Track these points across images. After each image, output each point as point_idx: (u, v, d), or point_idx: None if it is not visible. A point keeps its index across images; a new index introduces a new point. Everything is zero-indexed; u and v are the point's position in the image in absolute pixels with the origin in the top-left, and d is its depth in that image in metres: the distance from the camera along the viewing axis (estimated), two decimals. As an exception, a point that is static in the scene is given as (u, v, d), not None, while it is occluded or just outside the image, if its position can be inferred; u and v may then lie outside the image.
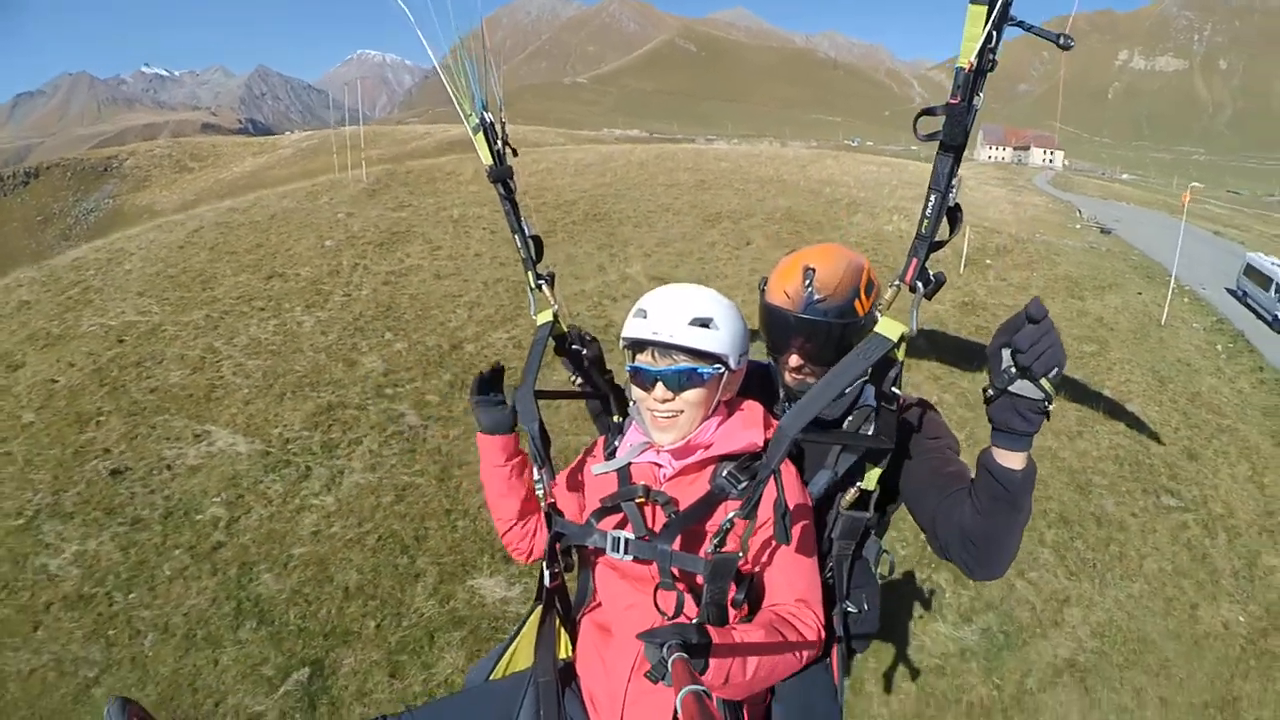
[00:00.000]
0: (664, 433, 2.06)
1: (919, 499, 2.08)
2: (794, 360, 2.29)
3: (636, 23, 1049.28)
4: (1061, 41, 1.45)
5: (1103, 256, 23.64)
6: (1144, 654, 7.26)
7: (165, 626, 7.10)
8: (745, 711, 2.00)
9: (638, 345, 2.06)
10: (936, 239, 1.64)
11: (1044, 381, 1.54)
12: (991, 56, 1.47)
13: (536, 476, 2.26)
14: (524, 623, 2.50)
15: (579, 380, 2.64)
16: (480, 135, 2.40)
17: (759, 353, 2.44)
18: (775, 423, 2.07)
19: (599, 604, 2.23)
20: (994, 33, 1.43)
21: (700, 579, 1.86)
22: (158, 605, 7.34)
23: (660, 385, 2.02)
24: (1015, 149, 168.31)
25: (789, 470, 2.06)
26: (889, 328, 1.71)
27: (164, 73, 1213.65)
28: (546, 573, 2.28)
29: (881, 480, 2.11)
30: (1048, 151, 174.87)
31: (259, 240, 18.12)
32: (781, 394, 2.44)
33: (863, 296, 2.22)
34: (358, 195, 23.15)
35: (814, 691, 2.07)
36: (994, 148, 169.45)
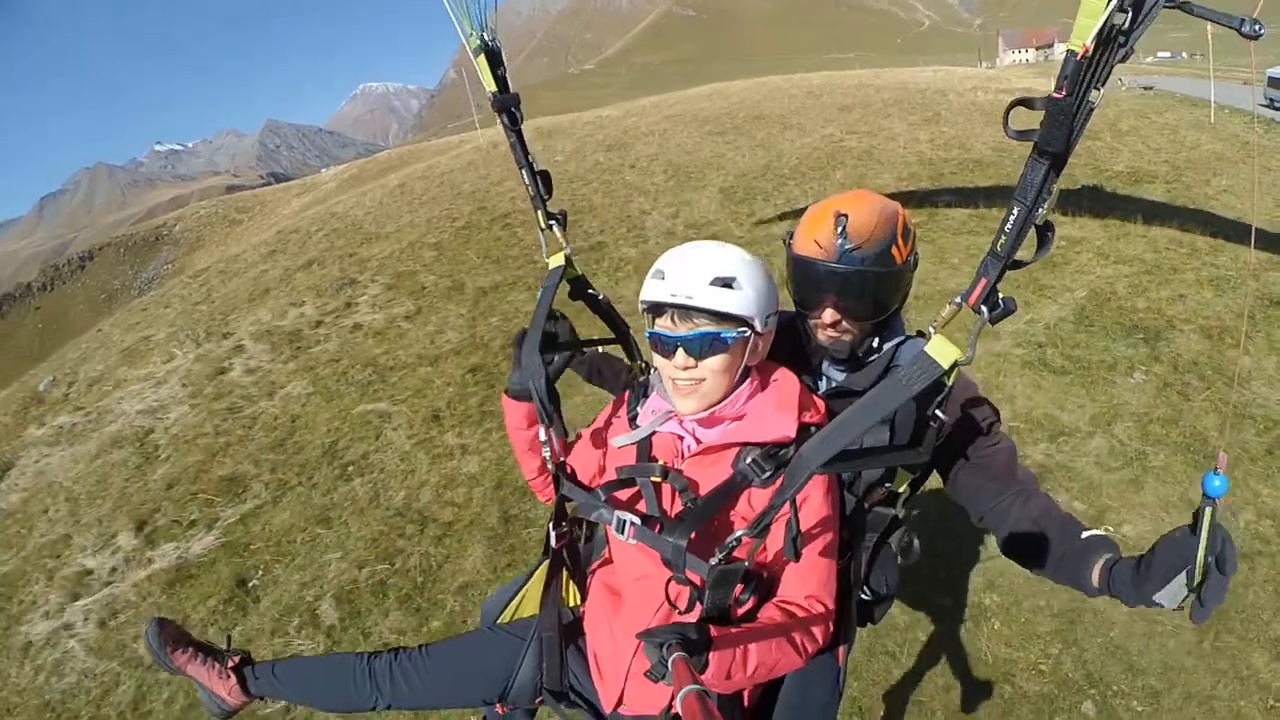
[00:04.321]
0: (686, 400, 1.95)
1: (970, 495, 2.06)
2: (829, 315, 2.09)
3: (629, 1, 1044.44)
4: (1245, 29, 1.15)
5: (1152, 99, 27.50)
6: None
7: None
8: (745, 694, 1.99)
9: (656, 309, 1.94)
10: (1016, 259, 1.42)
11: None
12: (1121, 40, 1.19)
13: (543, 436, 2.17)
14: (533, 571, 2.45)
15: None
16: (482, 58, 2.25)
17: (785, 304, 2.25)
18: (814, 402, 2.02)
19: (611, 563, 2.19)
20: (1129, 10, 1.15)
21: (703, 580, 1.73)
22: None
23: (681, 352, 1.90)
24: (1039, 48, 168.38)
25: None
26: (941, 351, 1.50)
27: (178, 147, 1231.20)
28: (553, 532, 2.27)
29: (913, 483, 2.04)
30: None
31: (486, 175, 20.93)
32: (815, 355, 2.27)
33: (899, 242, 2.05)
34: (542, 134, 26.08)
35: (814, 678, 2.04)
36: (1016, 51, 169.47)
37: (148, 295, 20.83)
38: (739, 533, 1.67)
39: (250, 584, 6.25)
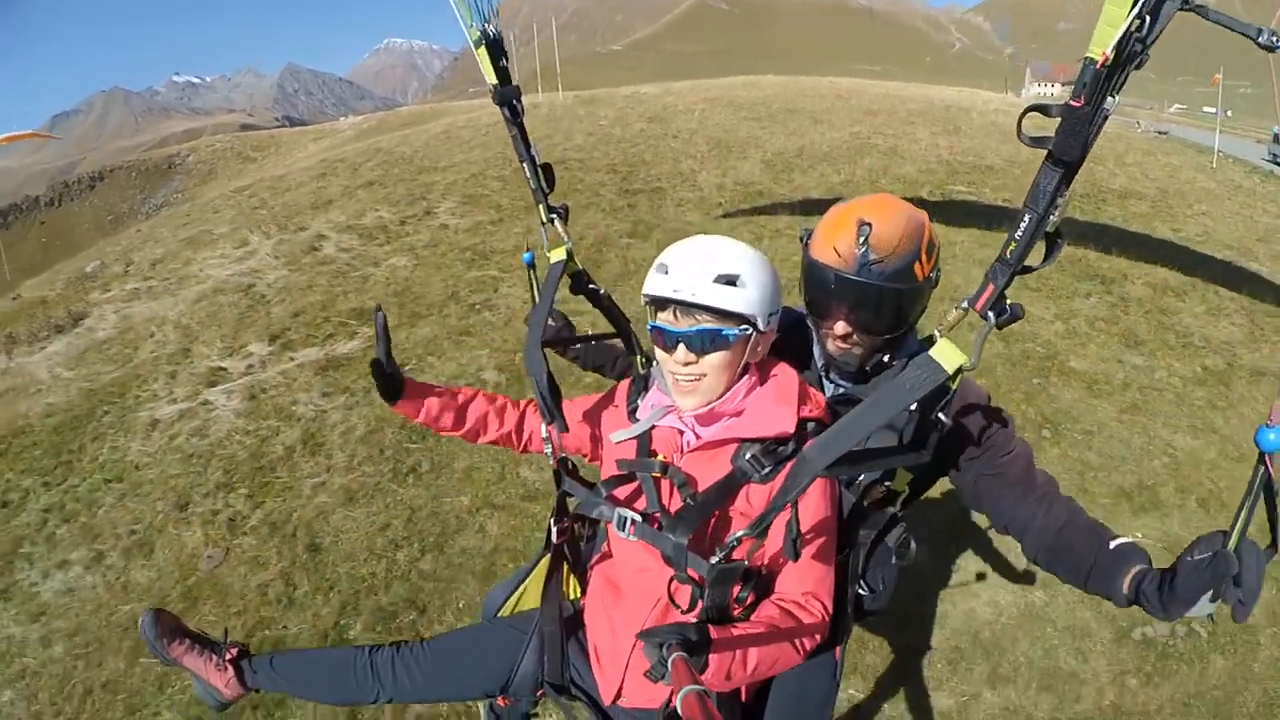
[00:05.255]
0: (686, 397, 1.98)
1: (990, 505, 2.09)
2: (840, 328, 2.06)
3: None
4: (1262, 40, 1.17)
5: (1164, 142, 28.48)
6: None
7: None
8: (742, 689, 2.04)
9: (659, 303, 1.95)
10: (1025, 265, 1.44)
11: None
12: (1139, 47, 1.20)
13: (544, 434, 2.26)
14: (534, 564, 2.49)
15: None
16: (483, 50, 2.27)
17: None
18: (813, 396, 2.03)
19: (611, 556, 2.23)
20: (1146, 17, 1.16)
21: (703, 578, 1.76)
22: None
23: (682, 347, 1.92)
24: (1064, 84, 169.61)
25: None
26: (947, 356, 1.51)
27: (196, 80, 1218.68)
28: (554, 527, 2.35)
29: (913, 483, 2.06)
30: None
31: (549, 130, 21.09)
32: (820, 361, 2.25)
33: (923, 258, 1.99)
34: (584, 101, 27.06)
35: (810, 673, 2.07)
36: (1042, 84, 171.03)
37: (184, 206, 21.10)
38: (739, 533, 1.67)
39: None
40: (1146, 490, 5.47)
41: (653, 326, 1.98)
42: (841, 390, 2.21)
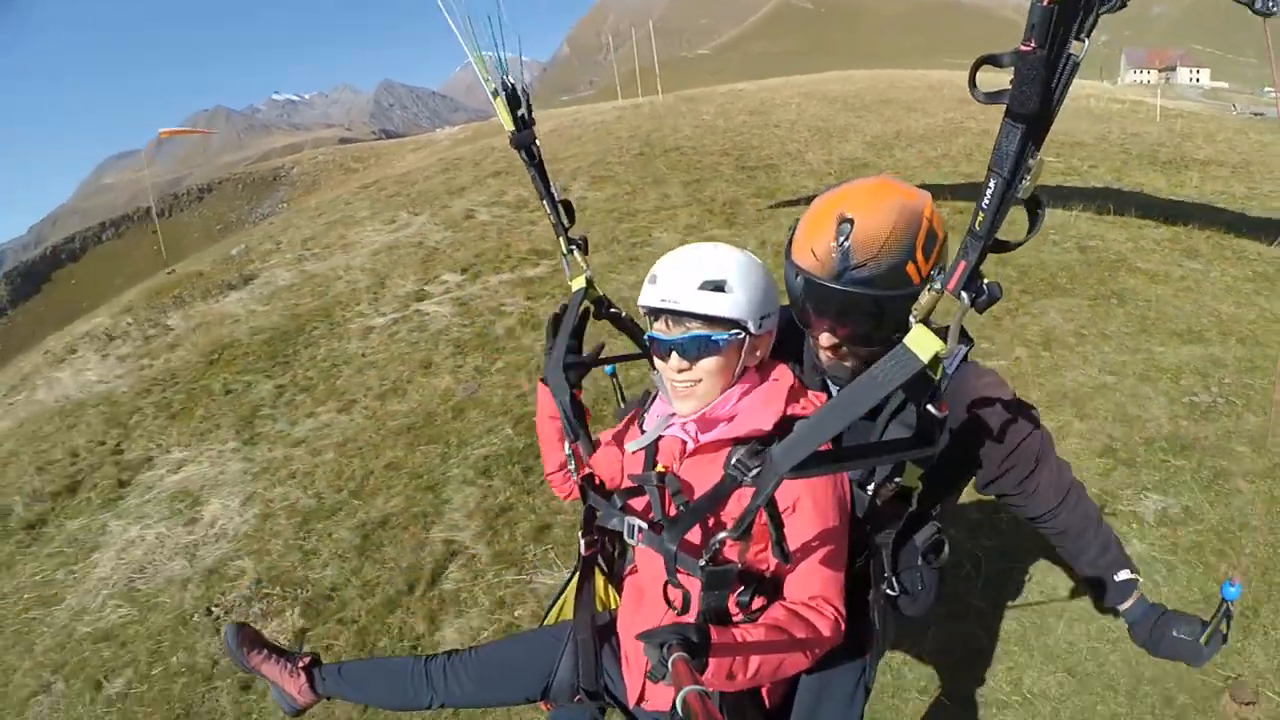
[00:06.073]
0: (683, 402, 2.01)
1: (1019, 511, 2.22)
2: (825, 339, 1.96)
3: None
4: (1258, 6, 1.10)
5: (1258, 123, 27.46)
6: None
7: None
8: (765, 693, 2.07)
9: (652, 313, 1.99)
10: (1000, 239, 1.24)
11: None
12: None
13: (568, 450, 2.33)
14: (573, 574, 2.58)
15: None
16: (500, 100, 2.36)
17: None
18: (804, 395, 2.03)
19: (637, 568, 2.28)
20: None
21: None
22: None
23: (674, 355, 1.95)
24: (1161, 71, 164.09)
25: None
26: (921, 342, 1.35)
27: (295, 98, 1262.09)
28: (582, 541, 2.44)
29: (930, 476, 1.94)
30: (1194, 71, 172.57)
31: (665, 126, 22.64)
32: (818, 370, 2.14)
33: (919, 257, 1.82)
34: (684, 99, 28.57)
35: (834, 679, 2.04)
36: (1138, 71, 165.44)
37: (309, 203, 22.59)
38: (721, 535, 1.65)
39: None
40: (1194, 333, 6.97)
41: (649, 336, 2.02)
42: None
